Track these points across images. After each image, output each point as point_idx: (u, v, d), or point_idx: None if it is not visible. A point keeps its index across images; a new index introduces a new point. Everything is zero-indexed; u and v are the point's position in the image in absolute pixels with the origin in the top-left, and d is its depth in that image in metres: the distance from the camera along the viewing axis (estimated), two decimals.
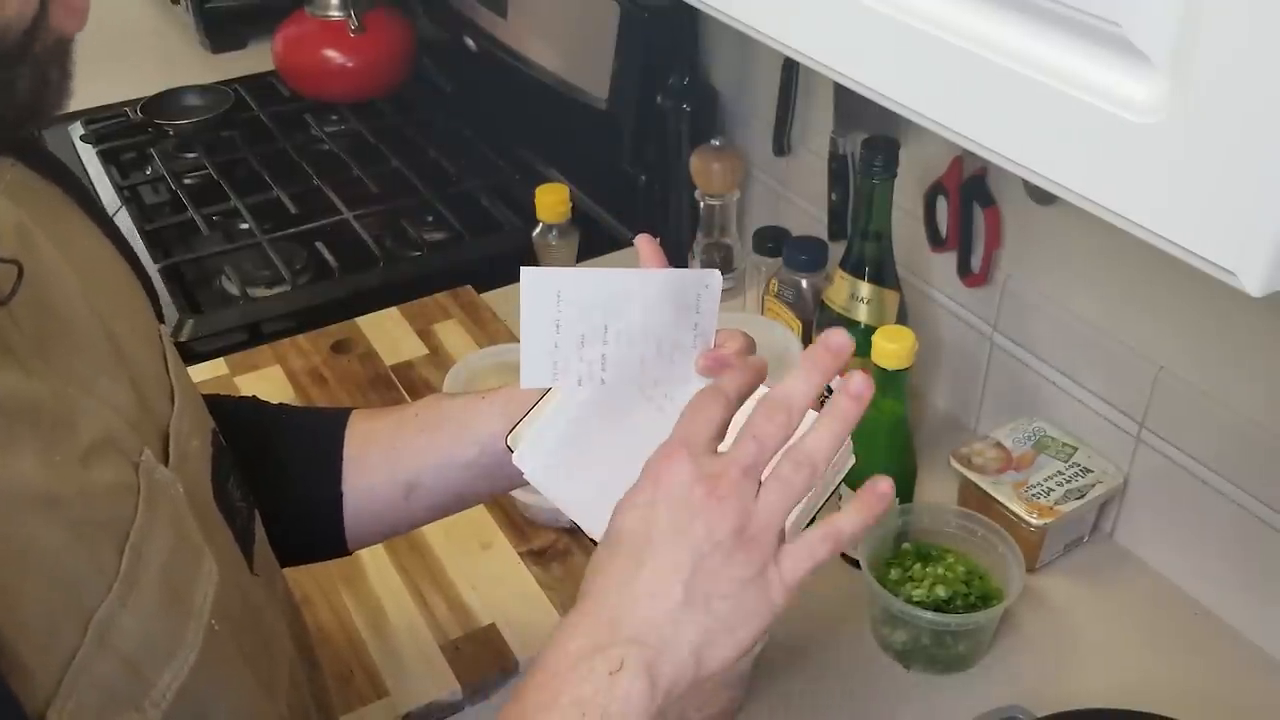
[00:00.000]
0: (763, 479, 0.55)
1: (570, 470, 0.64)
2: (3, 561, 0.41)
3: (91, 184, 1.57)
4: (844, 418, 0.55)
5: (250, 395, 0.79)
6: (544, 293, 0.61)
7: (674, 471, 0.55)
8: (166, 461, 0.52)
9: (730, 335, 0.66)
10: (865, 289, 0.99)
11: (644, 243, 0.67)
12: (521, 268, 0.61)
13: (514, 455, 0.65)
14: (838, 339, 0.56)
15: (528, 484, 0.67)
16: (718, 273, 0.64)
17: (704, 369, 0.65)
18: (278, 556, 0.70)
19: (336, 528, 0.73)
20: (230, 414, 0.67)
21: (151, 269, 1.35)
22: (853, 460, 0.63)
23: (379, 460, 0.73)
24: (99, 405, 0.49)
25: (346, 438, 0.74)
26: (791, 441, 0.56)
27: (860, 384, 0.55)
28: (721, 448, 0.57)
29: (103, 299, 0.54)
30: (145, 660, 0.45)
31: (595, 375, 0.63)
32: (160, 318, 0.64)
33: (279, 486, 0.70)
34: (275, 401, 0.80)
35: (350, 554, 0.76)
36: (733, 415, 0.58)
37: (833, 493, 0.63)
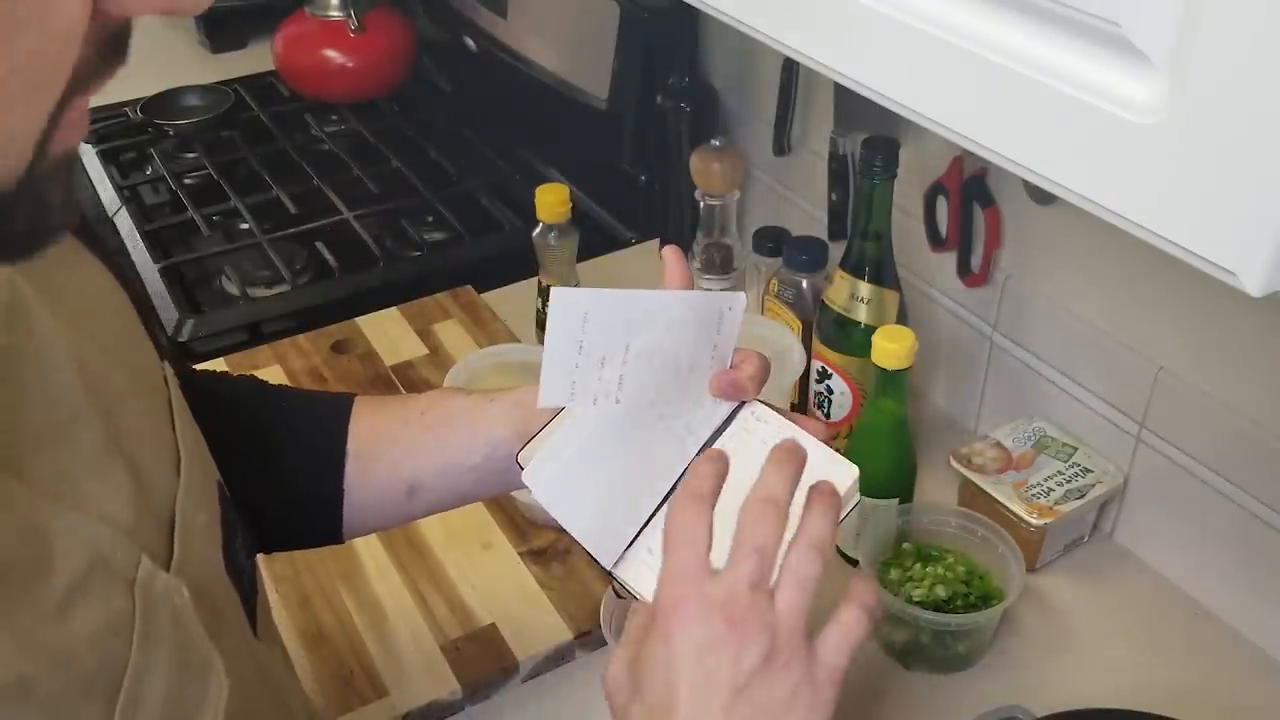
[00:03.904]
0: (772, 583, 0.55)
1: (579, 492, 0.64)
2: None
3: (91, 184, 1.57)
4: (828, 502, 0.57)
5: (249, 375, 0.76)
6: (573, 314, 0.61)
7: (683, 615, 0.53)
8: (170, 560, 0.48)
9: (746, 356, 0.65)
10: (865, 289, 0.99)
11: (671, 255, 0.66)
12: (553, 288, 0.61)
13: (524, 473, 0.64)
14: (791, 444, 0.58)
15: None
16: (743, 295, 0.65)
17: (717, 390, 0.65)
18: (266, 544, 0.68)
19: (334, 522, 0.72)
20: (229, 397, 0.65)
21: (151, 269, 1.36)
22: (859, 497, 0.63)
23: (382, 459, 0.72)
24: (84, 521, 0.44)
25: (350, 432, 0.72)
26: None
27: (828, 485, 0.57)
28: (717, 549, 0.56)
29: (99, 355, 0.50)
30: None
31: (611, 395, 0.63)
32: (163, 355, 0.59)
33: (277, 479, 0.69)
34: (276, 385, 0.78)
35: (342, 543, 0.75)
36: (712, 511, 0.57)
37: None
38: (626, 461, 0.64)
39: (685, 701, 0.52)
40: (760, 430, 0.65)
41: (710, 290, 0.98)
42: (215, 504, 0.55)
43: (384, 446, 0.72)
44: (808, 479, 0.61)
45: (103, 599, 0.43)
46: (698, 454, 0.65)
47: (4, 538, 0.40)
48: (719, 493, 0.57)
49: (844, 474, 0.62)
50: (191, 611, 0.47)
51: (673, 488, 0.64)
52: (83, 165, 1.62)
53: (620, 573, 0.64)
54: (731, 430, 0.65)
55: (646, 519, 0.64)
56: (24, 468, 0.43)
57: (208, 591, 0.50)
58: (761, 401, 0.66)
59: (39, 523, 0.42)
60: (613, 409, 0.64)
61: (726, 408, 0.66)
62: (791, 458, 0.57)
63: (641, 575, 0.63)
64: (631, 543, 0.64)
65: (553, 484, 0.64)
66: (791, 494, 0.56)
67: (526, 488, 0.67)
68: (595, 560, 0.64)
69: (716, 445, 0.65)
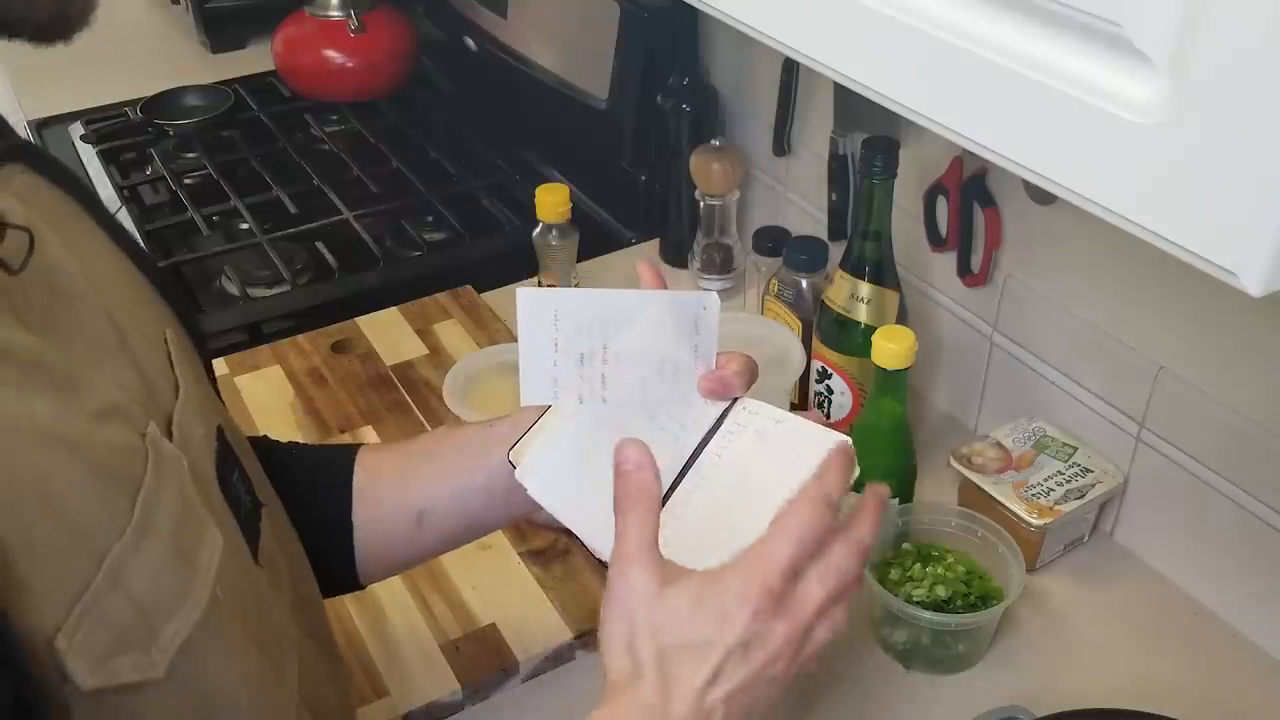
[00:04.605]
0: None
1: (574, 487, 0.64)
2: (18, 488, 0.42)
3: (91, 184, 1.57)
4: (860, 581, 0.62)
5: (261, 435, 0.79)
6: (541, 313, 0.62)
7: (758, 601, 0.57)
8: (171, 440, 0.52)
9: (731, 357, 0.67)
10: (865, 289, 0.99)
11: (644, 269, 0.69)
12: (517, 289, 0.62)
13: (516, 471, 0.65)
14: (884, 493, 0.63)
15: (538, 509, 0.67)
16: (715, 296, 0.66)
17: (707, 390, 0.66)
18: None
19: (348, 561, 0.74)
20: None
21: None
22: (857, 472, 0.63)
23: (389, 490, 0.74)
24: (105, 380, 0.49)
25: (355, 469, 0.74)
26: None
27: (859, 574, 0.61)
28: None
29: (106, 294, 0.54)
30: (154, 607, 0.46)
31: (596, 394, 0.64)
32: (187, 318, 0.64)
33: (292, 524, 0.70)
34: (282, 422, 0.80)
35: (363, 588, 0.77)
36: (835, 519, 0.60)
37: None
38: None
39: (713, 663, 0.56)
40: (753, 422, 0.66)
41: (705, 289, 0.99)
42: (212, 437, 0.58)
43: (389, 478, 0.74)
44: (805, 459, 0.62)
45: (123, 430, 0.48)
46: (693, 453, 0.65)
47: (48, 354, 0.46)
48: (842, 495, 0.60)
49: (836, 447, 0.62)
50: (190, 480, 0.51)
51: (673, 486, 0.65)
52: (83, 165, 1.62)
53: None
54: (726, 427, 0.66)
55: None
56: (57, 329, 0.48)
57: (201, 486, 0.53)
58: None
59: (74, 363, 0.47)
60: (601, 409, 0.64)
61: (718, 407, 0.66)
62: (881, 509, 0.62)
63: None
64: None
65: (547, 481, 0.64)
66: (875, 534, 0.61)
67: (532, 511, 0.67)
68: (599, 560, 0.64)
69: (712, 442, 0.65)
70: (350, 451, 0.76)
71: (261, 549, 0.60)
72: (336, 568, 0.74)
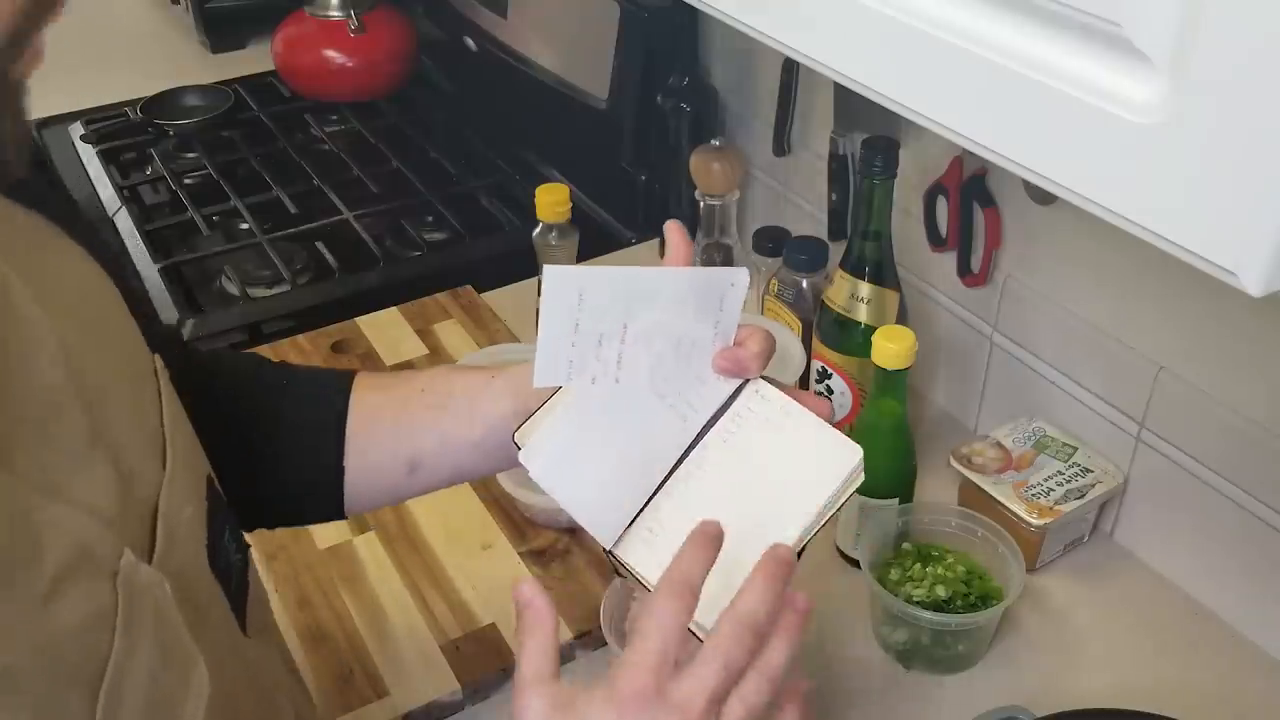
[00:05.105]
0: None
1: (576, 471, 0.64)
2: None
3: (92, 184, 1.57)
4: (795, 632, 0.57)
5: (252, 352, 0.77)
6: (566, 292, 0.60)
7: (638, 705, 0.54)
8: (152, 552, 0.48)
9: (751, 333, 0.65)
10: (865, 289, 0.99)
11: (673, 229, 0.66)
12: (545, 265, 0.60)
13: (521, 454, 0.64)
14: (784, 552, 0.57)
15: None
16: (745, 271, 0.64)
17: (722, 369, 0.64)
18: (269, 520, 0.69)
19: (335, 498, 0.73)
20: (230, 375, 0.65)
21: (151, 269, 1.36)
22: (862, 478, 0.63)
23: (383, 438, 0.72)
24: (70, 512, 0.44)
25: (351, 408, 0.72)
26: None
27: (804, 603, 0.57)
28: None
29: (85, 345, 0.50)
30: None
31: (610, 374, 0.63)
32: (158, 341, 0.59)
33: (279, 456, 0.69)
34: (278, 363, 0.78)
35: (345, 518, 0.75)
36: (695, 605, 0.56)
37: (836, 510, 0.63)
38: (626, 441, 0.64)
39: None
40: (763, 409, 0.65)
41: None
42: (202, 499, 0.55)
43: (384, 425, 0.73)
44: (811, 461, 0.62)
45: (87, 592, 0.43)
46: (700, 432, 0.65)
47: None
48: (705, 579, 0.56)
49: (848, 456, 0.62)
50: (173, 606, 0.47)
51: (675, 466, 0.64)
52: (83, 165, 1.62)
53: (620, 552, 0.63)
54: (735, 409, 0.65)
55: (647, 499, 0.64)
56: (10, 459, 0.42)
57: (190, 587, 0.50)
58: (766, 379, 0.66)
59: (27, 514, 0.42)
60: (611, 389, 0.63)
61: (730, 385, 0.65)
62: (778, 573, 0.57)
63: (641, 555, 0.62)
64: (632, 522, 0.64)
65: (550, 464, 0.64)
66: (774, 618, 0.56)
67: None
68: (601, 550, 0.64)
69: (720, 423, 0.65)
70: (345, 386, 0.73)
71: (250, 611, 0.58)
72: (322, 503, 0.73)
